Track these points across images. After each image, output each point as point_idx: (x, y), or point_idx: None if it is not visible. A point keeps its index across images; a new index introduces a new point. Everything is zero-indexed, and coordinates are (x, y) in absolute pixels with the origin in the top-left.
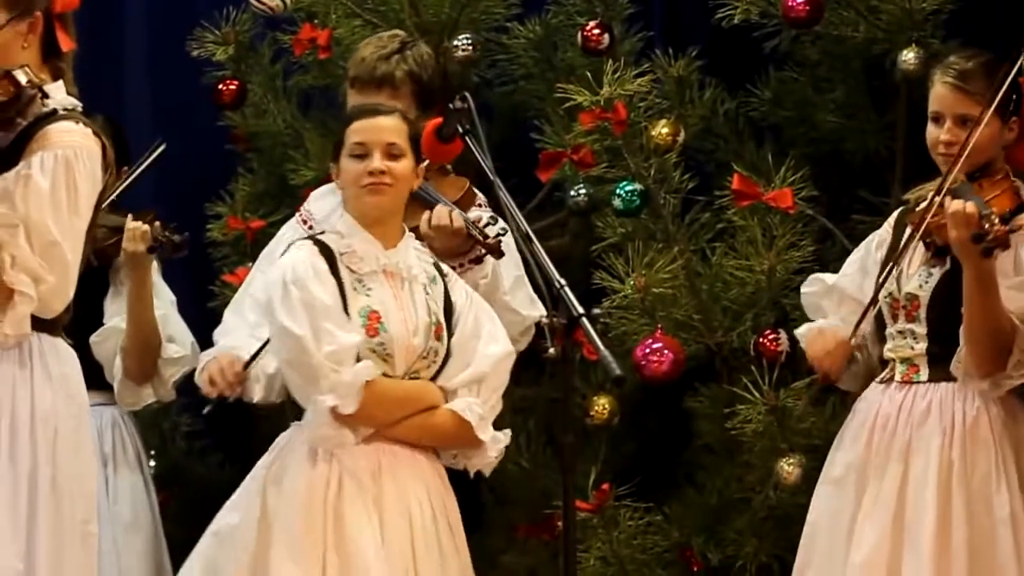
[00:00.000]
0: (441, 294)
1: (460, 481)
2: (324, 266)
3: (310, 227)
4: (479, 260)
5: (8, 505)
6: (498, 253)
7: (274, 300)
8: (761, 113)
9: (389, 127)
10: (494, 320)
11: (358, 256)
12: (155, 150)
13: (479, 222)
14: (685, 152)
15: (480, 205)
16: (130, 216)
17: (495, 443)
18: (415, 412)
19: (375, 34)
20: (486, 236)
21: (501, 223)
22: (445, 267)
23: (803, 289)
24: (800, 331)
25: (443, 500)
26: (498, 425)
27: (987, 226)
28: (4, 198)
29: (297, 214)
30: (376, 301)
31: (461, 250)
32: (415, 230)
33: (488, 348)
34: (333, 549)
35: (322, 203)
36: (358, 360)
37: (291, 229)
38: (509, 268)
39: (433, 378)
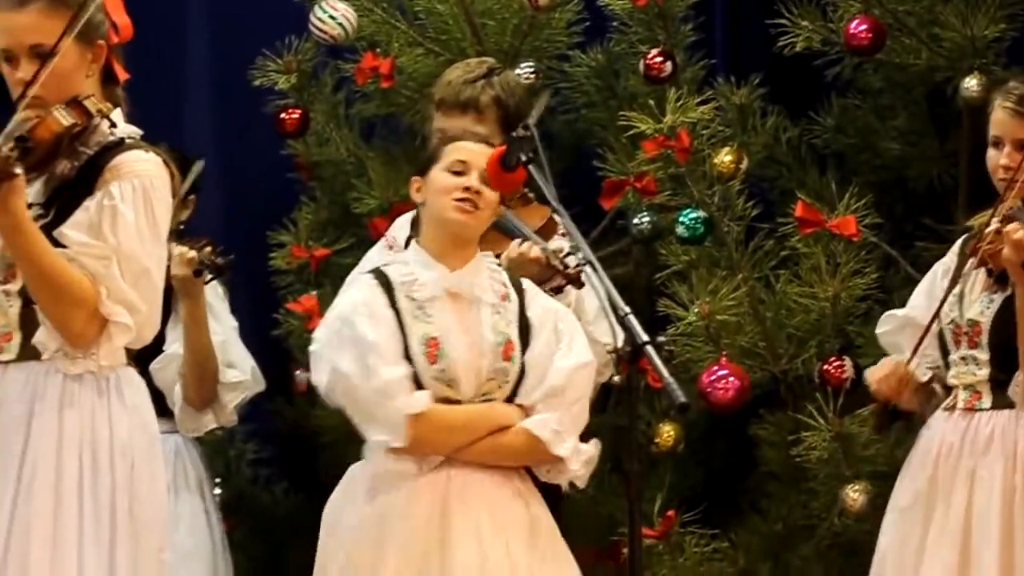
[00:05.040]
0: (516, 312)
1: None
2: (381, 299)
3: (395, 252)
4: (559, 290)
5: (91, 537)
6: (578, 283)
7: (326, 341)
8: (824, 140)
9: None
10: (576, 331)
11: (419, 283)
12: (196, 171)
13: (560, 252)
14: (748, 179)
15: (563, 234)
16: (173, 243)
17: (577, 456)
18: (485, 434)
19: (436, 62)
20: (566, 266)
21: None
22: (527, 283)
23: (878, 330)
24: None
25: (518, 517)
26: None
27: None
28: (92, 230)
29: (383, 239)
30: (436, 327)
31: (541, 279)
32: (498, 258)
33: (563, 360)
34: None
35: (407, 229)
36: (422, 388)
37: (377, 253)
38: (591, 299)
39: (511, 397)
